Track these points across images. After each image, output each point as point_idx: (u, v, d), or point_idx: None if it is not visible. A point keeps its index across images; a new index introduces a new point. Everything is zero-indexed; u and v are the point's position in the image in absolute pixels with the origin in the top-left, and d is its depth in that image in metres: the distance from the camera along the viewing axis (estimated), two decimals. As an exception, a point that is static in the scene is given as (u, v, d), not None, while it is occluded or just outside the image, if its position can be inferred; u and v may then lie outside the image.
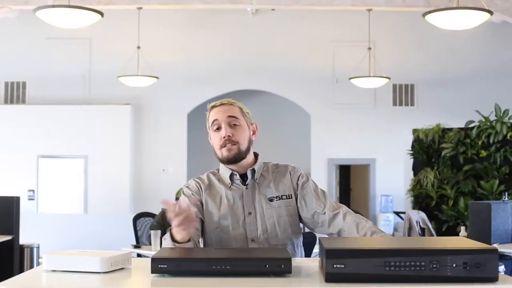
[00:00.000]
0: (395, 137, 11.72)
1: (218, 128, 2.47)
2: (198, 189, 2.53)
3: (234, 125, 2.47)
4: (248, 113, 2.54)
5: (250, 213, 2.46)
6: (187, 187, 2.56)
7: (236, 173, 2.50)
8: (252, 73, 12.22)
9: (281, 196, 2.51)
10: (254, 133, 2.56)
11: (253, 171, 2.51)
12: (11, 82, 12.33)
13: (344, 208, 2.61)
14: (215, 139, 2.49)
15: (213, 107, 2.52)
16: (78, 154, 11.80)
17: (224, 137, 2.45)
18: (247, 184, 2.50)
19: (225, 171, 2.52)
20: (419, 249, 1.68)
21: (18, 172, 11.65)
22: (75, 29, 8.90)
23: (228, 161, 2.48)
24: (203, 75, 12.12)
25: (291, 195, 2.52)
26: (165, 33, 12.18)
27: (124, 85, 10.84)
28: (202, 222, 2.48)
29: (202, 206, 2.50)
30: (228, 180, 2.51)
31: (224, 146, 2.46)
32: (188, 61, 12.24)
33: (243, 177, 2.51)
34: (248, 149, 2.51)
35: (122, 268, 1.97)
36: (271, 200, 2.49)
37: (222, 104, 2.50)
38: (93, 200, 11.73)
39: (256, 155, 2.59)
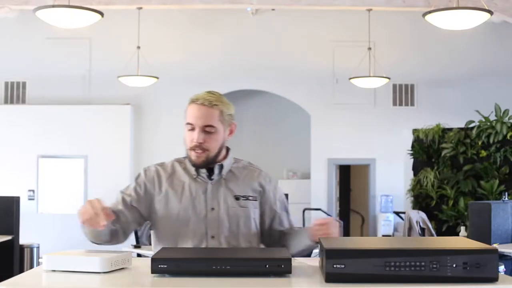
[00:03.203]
0: (395, 137, 11.71)
1: (192, 129, 2.40)
2: (154, 178, 2.46)
3: (208, 132, 2.39)
4: (230, 114, 2.44)
5: (213, 208, 2.39)
6: (145, 171, 2.51)
7: None
8: (252, 73, 12.22)
9: (249, 196, 2.44)
10: (231, 132, 2.48)
11: (221, 166, 2.44)
12: (11, 82, 12.32)
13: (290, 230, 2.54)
14: (187, 137, 2.43)
15: (192, 102, 2.43)
16: (78, 154, 11.80)
17: (194, 142, 2.39)
18: (213, 178, 2.43)
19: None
20: (419, 249, 1.68)
21: (18, 172, 11.65)
22: (75, 29, 8.89)
23: (194, 166, 2.42)
24: (203, 75, 12.11)
25: (256, 197, 2.47)
26: (165, 33, 12.17)
27: (124, 85, 10.84)
28: (139, 212, 2.43)
29: (149, 197, 2.43)
30: (193, 171, 2.44)
31: (193, 151, 2.40)
32: (188, 61, 12.24)
33: (210, 171, 2.44)
34: (218, 153, 2.43)
35: (122, 268, 1.97)
36: (237, 198, 2.42)
37: (202, 105, 2.40)
38: (93, 200, 11.70)
39: (227, 150, 2.51)
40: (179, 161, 2.51)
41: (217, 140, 2.41)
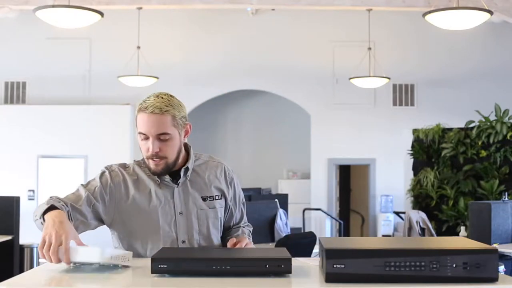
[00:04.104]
0: (395, 137, 11.71)
1: (146, 139, 2.29)
2: (121, 183, 2.35)
3: (163, 140, 2.28)
4: (183, 117, 2.33)
5: (181, 213, 2.33)
6: (109, 173, 2.37)
7: None
8: (252, 73, 12.22)
9: (215, 196, 2.40)
10: (186, 133, 2.39)
11: (187, 169, 2.38)
12: (11, 82, 12.32)
13: (243, 228, 2.56)
14: (142, 147, 2.33)
15: (141, 110, 2.27)
16: (78, 154, 11.80)
17: (150, 152, 2.29)
18: (179, 183, 2.36)
19: None
20: (419, 249, 1.68)
21: (18, 172, 11.65)
22: (75, 29, 8.90)
23: (154, 174, 2.34)
24: (203, 75, 12.11)
25: (222, 195, 2.43)
26: (165, 33, 12.18)
27: (124, 85, 10.84)
28: (100, 216, 2.31)
29: (115, 202, 2.32)
30: (156, 178, 2.35)
31: (151, 159, 2.30)
32: (188, 61, 12.24)
33: (174, 174, 2.36)
34: (177, 157, 2.35)
35: (122, 267, 1.97)
36: (204, 199, 2.37)
37: (152, 113, 2.25)
38: (93, 200, 11.71)
39: (187, 150, 2.43)
40: (139, 164, 2.41)
41: (173, 146, 2.31)
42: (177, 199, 2.34)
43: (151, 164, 2.32)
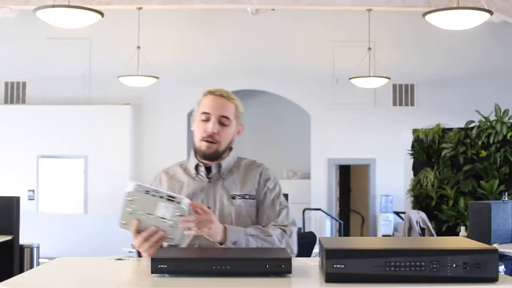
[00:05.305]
0: (395, 137, 11.71)
1: (206, 120, 2.41)
2: (157, 183, 2.48)
3: (223, 124, 2.41)
4: (241, 112, 2.48)
5: (209, 207, 2.35)
6: (154, 178, 2.53)
7: (202, 164, 2.45)
8: (252, 73, 12.22)
9: (244, 195, 2.42)
10: (238, 132, 2.50)
11: (219, 165, 2.44)
12: (11, 82, 12.32)
13: (279, 231, 2.37)
14: (199, 128, 2.43)
15: (210, 93, 2.44)
16: (78, 154, 11.80)
17: (208, 131, 2.39)
18: (211, 177, 2.44)
19: (192, 161, 2.47)
20: (419, 249, 1.68)
21: (18, 172, 11.65)
22: (75, 29, 8.90)
23: (203, 156, 2.43)
24: (203, 75, 12.11)
25: (254, 196, 2.44)
26: (165, 33, 12.18)
27: (124, 85, 10.84)
28: None
29: None
30: (193, 171, 2.45)
31: (205, 141, 2.40)
32: (188, 61, 12.24)
33: (209, 169, 2.44)
34: (226, 149, 2.45)
35: (124, 268, 1.97)
36: (233, 197, 2.41)
37: (220, 96, 2.43)
38: (93, 200, 11.72)
39: (230, 150, 2.51)
40: (180, 163, 2.54)
41: (228, 134, 2.43)
42: (206, 193, 2.41)
43: (204, 145, 2.41)
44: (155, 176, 2.54)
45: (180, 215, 2.10)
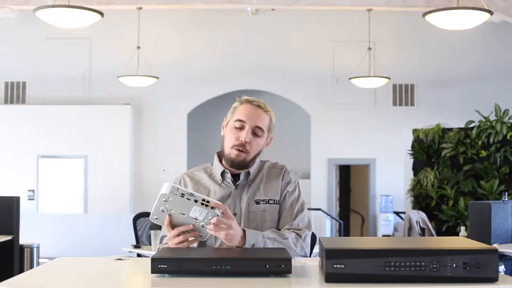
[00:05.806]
0: (395, 137, 11.71)
1: (240, 128, 2.41)
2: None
3: (256, 135, 2.42)
4: (274, 125, 2.49)
5: (235, 214, 2.38)
6: (175, 180, 2.50)
7: (228, 171, 2.45)
8: (252, 73, 12.22)
9: (268, 200, 2.44)
10: (267, 144, 2.51)
11: (248, 173, 2.45)
12: (11, 82, 12.33)
13: (293, 234, 2.38)
14: (232, 135, 2.43)
15: (247, 102, 2.44)
16: (78, 154, 11.80)
17: (241, 140, 2.39)
18: (237, 184, 2.44)
19: (217, 167, 2.47)
20: (419, 249, 1.68)
21: (18, 172, 11.65)
22: (75, 29, 8.90)
23: (230, 163, 2.43)
24: (203, 75, 12.12)
25: (278, 200, 2.45)
26: (165, 33, 12.18)
27: (124, 85, 10.84)
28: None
29: None
30: (219, 177, 2.45)
31: (236, 149, 2.40)
32: (188, 61, 12.24)
33: (235, 176, 2.45)
34: (253, 159, 2.46)
35: (123, 269, 1.97)
36: (257, 202, 2.42)
37: (258, 106, 2.43)
38: (93, 200, 11.73)
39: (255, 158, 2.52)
40: (204, 168, 2.53)
41: (259, 145, 2.44)
42: (233, 200, 2.41)
43: (233, 153, 2.41)
44: (178, 179, 2.52)
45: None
